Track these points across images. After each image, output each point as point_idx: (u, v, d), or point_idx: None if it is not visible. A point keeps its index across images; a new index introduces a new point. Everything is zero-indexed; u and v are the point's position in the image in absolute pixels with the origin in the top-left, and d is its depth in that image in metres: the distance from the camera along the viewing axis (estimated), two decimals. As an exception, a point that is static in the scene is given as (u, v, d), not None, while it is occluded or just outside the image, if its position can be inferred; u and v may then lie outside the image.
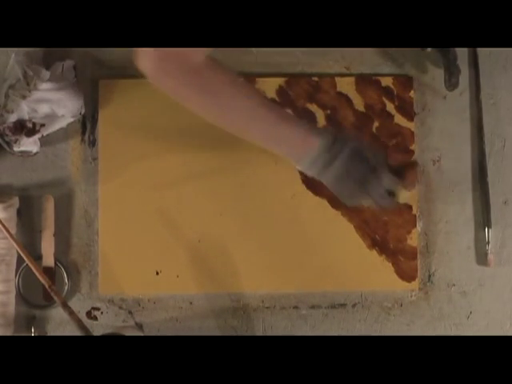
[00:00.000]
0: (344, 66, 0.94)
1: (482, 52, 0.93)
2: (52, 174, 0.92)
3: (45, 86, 0.86)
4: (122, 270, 0.91)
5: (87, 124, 0.93)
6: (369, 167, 0.76)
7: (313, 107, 0.92)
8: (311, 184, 0.92)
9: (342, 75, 0.93)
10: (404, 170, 0.78)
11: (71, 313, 0.83)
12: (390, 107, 0.93)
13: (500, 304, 0.92)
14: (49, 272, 0.89)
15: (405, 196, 0.78)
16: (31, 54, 0.87)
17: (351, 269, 0.91)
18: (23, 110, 0.86)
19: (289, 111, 0.91)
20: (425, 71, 0.94)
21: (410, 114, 0.93)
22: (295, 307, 0.92)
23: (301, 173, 0.92)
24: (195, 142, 0.92)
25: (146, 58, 0.73)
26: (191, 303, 0.92)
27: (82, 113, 0.90)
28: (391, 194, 0.77)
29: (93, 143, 0.92)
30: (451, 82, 0.89)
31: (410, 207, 0.92)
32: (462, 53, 0.92)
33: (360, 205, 0.81)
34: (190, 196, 0.91)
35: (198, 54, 0.73)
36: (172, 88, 0.75)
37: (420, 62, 0.94)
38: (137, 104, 0.92)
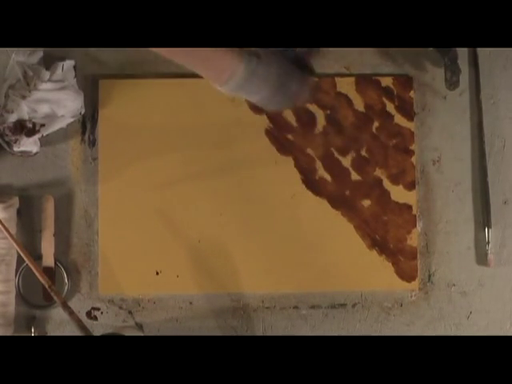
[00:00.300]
0: (344, 66, 0.94)
1: (482, 52, 0.93)
2: (52, 174, 0.92)
3: (45, 86, 0.86)
4: (122, 270, 0.91)
5: (87, 124, 0.93)
6: (298, 77, 0.76)
7: (313, 107, 0.92)
8: (311, 184, 0.92)
9: (342, 75, 0.93)
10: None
11: (71, 313, 0.83)
12: (390, 107, 0.93)
13: (500, 304, 0.92)
14: (49, 272, 0.89)
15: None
16: (31, 54, 0.87)
17: (351, 269, 0.91)
18: (23, 110, 0.86)
19: (289, 111, 0.92)
20: (425, 71, 0.94)
21: (410, 114, 0.93)
22: (295, 307, 0.92)
23: (301, 173, 0.92)
24: (195, 142, 0.92)
25: None
26: (191, 303, 0.92)
27: (82, 113, 0.90)
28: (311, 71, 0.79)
29: (93, 143, 0.92)
30: (452, 81, 0.89)
31: (410, 207, 0.92)
32: (462, 53, 0.92)
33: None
34: (190, 196, 0.91)
35: None
36: None
37: (420, 61, 0.94)
38: (137, 104, 0.92)
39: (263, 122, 0.92)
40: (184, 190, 0.92)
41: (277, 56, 0.76)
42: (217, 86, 0.76)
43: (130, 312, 0.92)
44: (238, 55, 0.74)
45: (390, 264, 0.91)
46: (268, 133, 0.92)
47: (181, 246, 0.91)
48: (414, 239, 0.92)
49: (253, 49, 0.75)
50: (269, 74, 0.75)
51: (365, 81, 0.93)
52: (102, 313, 0.91)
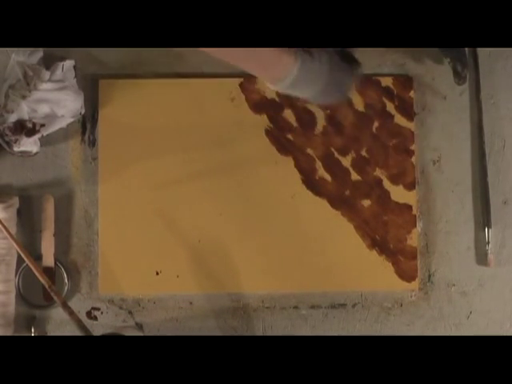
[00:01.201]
0: (344, 66, 0.94)
1: (482, 52, 0.93)
2: (52, 174, 0.92)
3: (45, 86, 0.86)
4: (122, 270, 0.91)
5: (87, 124, 0.93)
6: (347, 72, 0.79)
7: (313, 107, 0.92)
8: (311, 184, 0.92)
9: (342, 75, 0.93)
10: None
11: (71, 313, 0.83)
12: (390, 107, 0.93)
13: (500, 304, 0.92)
14: (49, 272, 0.89)
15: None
16: (31, 54, 0.87)
17: (351, 269, 0.91)
18: (23, 109, 0.86)
19: (288, 111, 0.92)
20: (425, 71, 0.94)
21: (410, 114, 0.93)
22: (295, 307, 0.92)
23: (301, 173, 0.92)
24: (195, 142, 0.92)
25: None
26: (191, 303, 0.92)
27: (82, 113, 0.90)
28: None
29: (93, 143, 0.92)
30: (463, 75, 0.88)
31: (409, 207, 0.92)
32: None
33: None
34: (190, 196, 0.91)
35: None
36: None
37: (420, 61, 0.94)
38: (137, 104, 0.92)
39: (263, 122, 0.92)
40: (184, 190, 0.92)
41: (328, 52, 0.77)
42: (270, 85, 0.77)
43: (130, 312, 0.92)
44: (293, 54, 0.75)
45: (390, 264, 0.91)
46: (268, 133, 0.92)
47: (181, 246, 0.91)
48: (414, 239, 0.92)
49: (305, 48, 0.76)
50: (321, 71, 0.76)
51: (365, 81, 0.93)
52: (102, 313, 0.91)
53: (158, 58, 0.92)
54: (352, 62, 0.80)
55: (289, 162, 0.92)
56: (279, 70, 0.75)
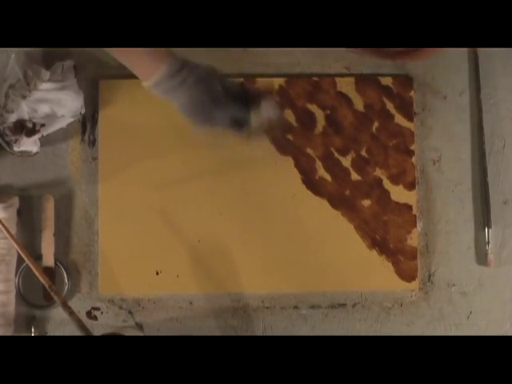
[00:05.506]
0: (344, 66, 0.94)
1: (482, 52, 0.93)
2: (52, 174, 0.92)
3: (45, 85, 0.86)
4: (122, 270, 0.91)
5: (87, 124, 0.93)
6: (213, 96, 0.79)
7: (313, 107, 0.92)
8: (311, 184, 0.92)
9: (342, 75, 0.93)
10: (260, 97, 0.81)
11: (71, 313, 0.83)
12: (390, 107, 0.93)
13: (500, 304, 0.92)
14: (49, 272, 0.89)
15: (260, 122, 0.81)
16: (31, 54, 0.87)
17: (351, 269, 0.91)
18: (23, 109, 0.86)
19: (288, 111, 0.92)
20: (425, 71, 0.94)
21: (409, 114, 0.93)
22: (295, 307, 0.92)
23: (301, 173, 0.92)
24: (195, 142, 0.92)
25: None
26: (191, 303, 0.92)
27: (82, 113, 0.90)
28: (242, 122, 0.81)
29: (93, 143, 0.92)
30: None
31: (410, 207, 0.92)
32: (461, 53, 0.93)
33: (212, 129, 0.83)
34: (190, 196, 0.91)
35: None
36: None
37: (420, 62, 0.94)
38: (137, 104, 0.92)
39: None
40: (184, 190, 0.92)
41: (208, 73, 0.79)
42: (142, 83, 0.79)
43: (130, 312, 0.92)
44: (164, 56, 0.77)
45: (390, 264, 0.91)
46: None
47: (181, 246, 0.91)
48: (414, 239, 0.92)
49: (181, 56, 0.78)
50: (189, 84, 0.78)
51: (365, 81, 0.93)
52: (102, 313, 0.91)
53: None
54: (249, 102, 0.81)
55: (289, 161, 0.92)
56: (147, 68, 0.78)
